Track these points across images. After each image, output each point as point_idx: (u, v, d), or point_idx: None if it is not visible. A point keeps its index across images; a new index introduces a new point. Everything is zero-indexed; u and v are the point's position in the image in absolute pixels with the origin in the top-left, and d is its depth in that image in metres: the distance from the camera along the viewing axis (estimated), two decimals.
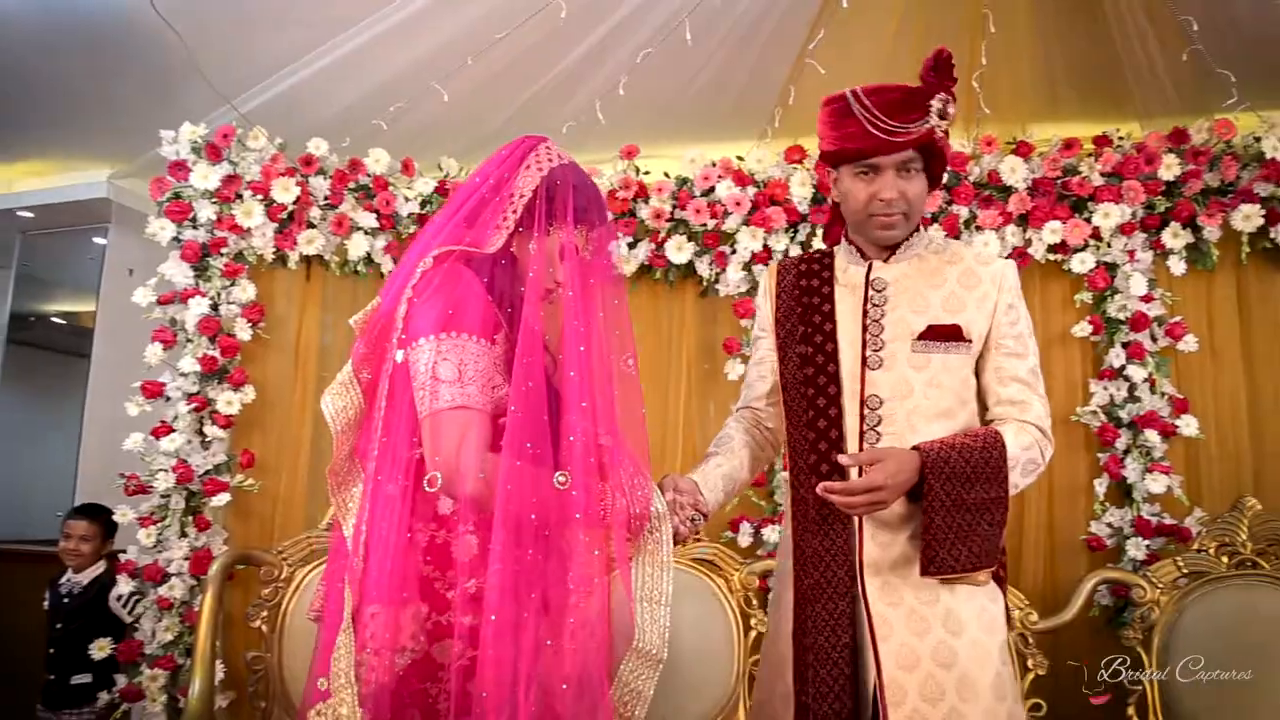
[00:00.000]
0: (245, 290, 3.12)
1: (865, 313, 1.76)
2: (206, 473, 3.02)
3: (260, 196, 3.15)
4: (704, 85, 3.14)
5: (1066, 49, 3.01)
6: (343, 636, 1.38)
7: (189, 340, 3.07)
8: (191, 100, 3.17)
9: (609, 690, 1.42)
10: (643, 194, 3.25)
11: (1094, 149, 3.10)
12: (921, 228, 1.81)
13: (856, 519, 1.68)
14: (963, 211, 3.08)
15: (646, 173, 3.29)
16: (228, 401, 3.05)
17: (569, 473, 1.40)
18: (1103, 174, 3.05)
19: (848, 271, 1.83)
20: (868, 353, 1.73)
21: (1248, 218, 2.94)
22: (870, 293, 1.78)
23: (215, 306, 3.10)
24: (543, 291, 1.50)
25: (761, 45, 2.99)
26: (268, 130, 3.22)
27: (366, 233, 3.24)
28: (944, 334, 1.71)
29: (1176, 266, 3.00)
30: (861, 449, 1.70)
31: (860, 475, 1.60)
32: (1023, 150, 3.10)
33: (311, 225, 3.21)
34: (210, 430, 3.04)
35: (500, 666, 1.33)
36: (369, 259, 3.27)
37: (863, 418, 1.71)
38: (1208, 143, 3.02)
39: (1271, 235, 2.96)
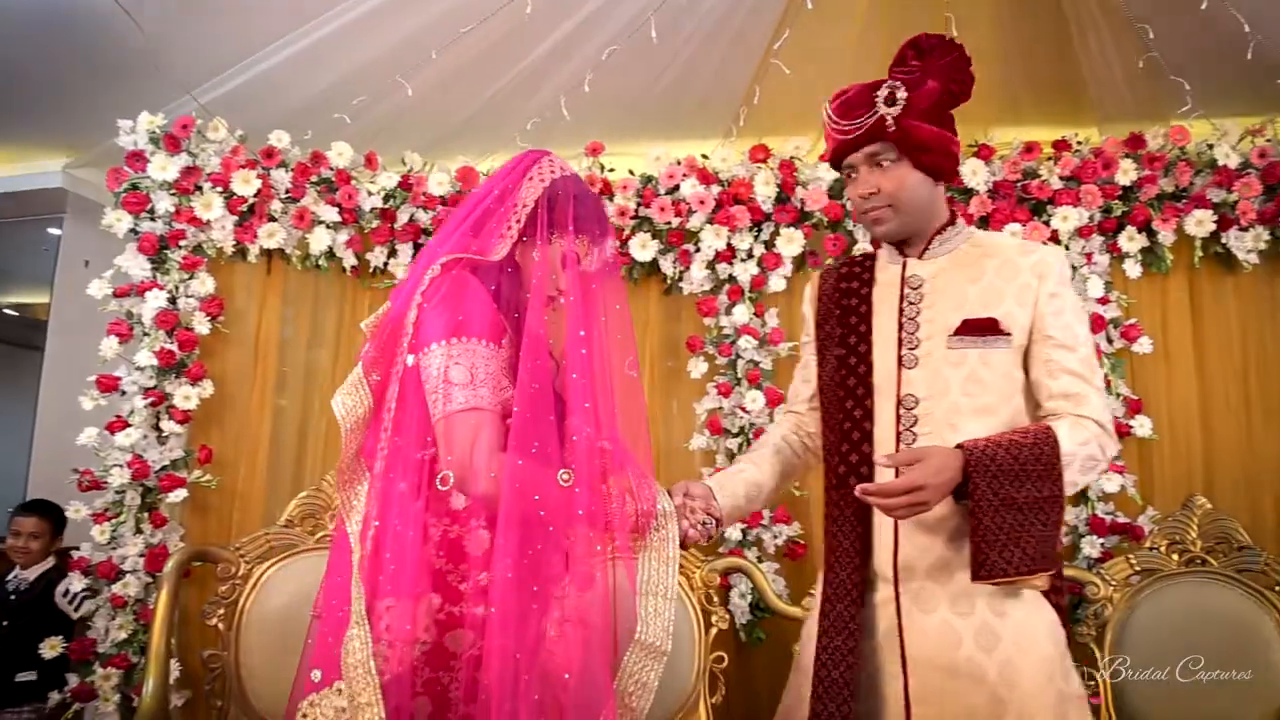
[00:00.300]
0: (204, 283, 3.08)
1: (901, 311, 1.72)
2: (163, 468, 2.97)
3: (220, 189, 3.10)
4: (669, 83, 3.14)
5: (1027, 54, 3.05)
6: (356, 629, 1.41)
7: (146, 334, 3.02)
8: (150, 90, 3.12)
9: (613, 681, 1.46)
10: (607, 191, 3.25)
11: (1053, 153, 3.15)
12: (960, 221, 1.77)
13: (892, 521, 1.62)
14: None
15: (611, 170, 3.29)
16: (185, 396, 3.01)
17: (573, 470, 1.45)
18: (1061, 178, 3.10)
19: (886, 271, 1.79)
20: (903, 351, 1.69)
21: (1200, 223, 3.01)
22: (906, 290, 1.73)
23: (173, 300, 3.05)
24: (545, 298, 1.56)
25: (727, 44, 3.00)
26: (228, 122, 3.18)
27: (328, 227, 3.21)
28: (980, 328, 1.65)
29: (1132, 270, 3.06)
30: (898, 450, 1.64)
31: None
32: (984, 153, 3.14)
33: (272, 218, 3.17)
34: (167, 425, 2.99)
35: (504, 657, 1.38)
36: (331, 253, 3.24)
37: (899, 418, 1.66)
38: (1163, 148, 3.09)
39: (1223, 240, 3.02)
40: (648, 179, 3.27)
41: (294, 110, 3.21)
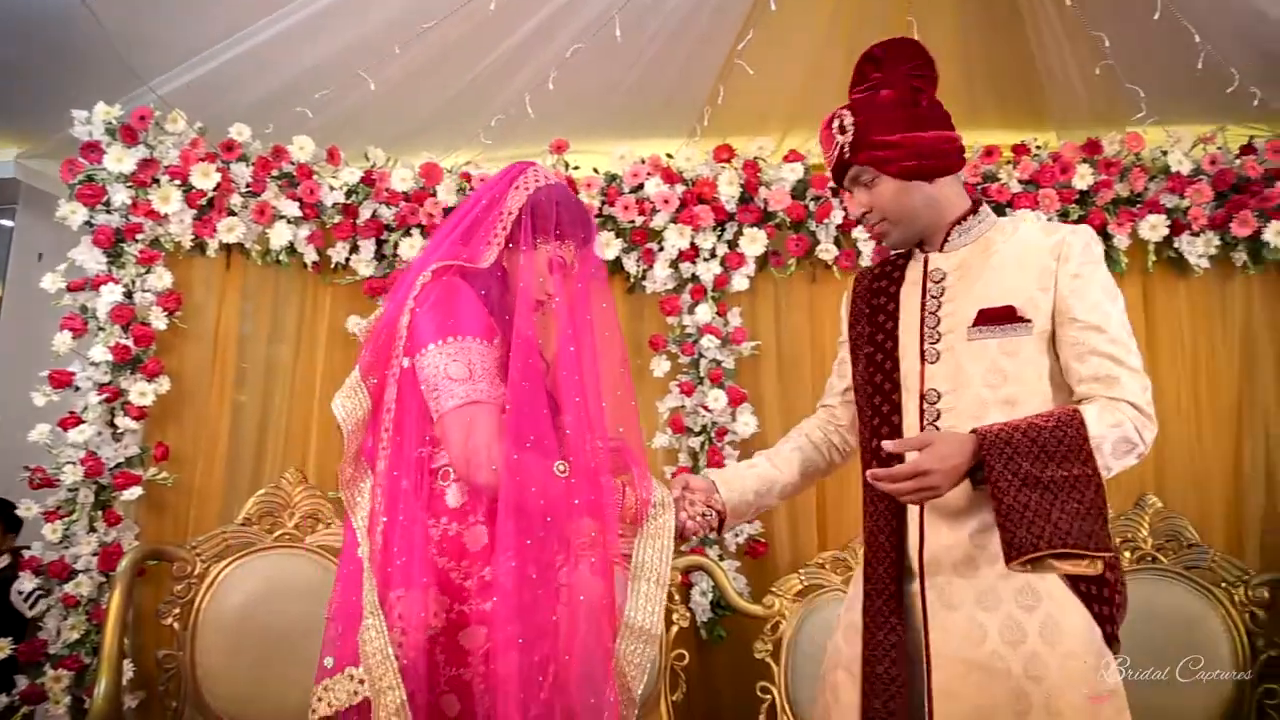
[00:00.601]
0: (161, 278, 3.03)
1: (924, 306, 1.72)
2: (118, 465, 2.92)
3: (178, 182, 3.06)
4: (634, 82, 3.14)
5: (988, 59, 3.09)
6: (372, 619, 1.50)
7: (101, 328, 2.96)
8: (107, 80, 3.06)
9: (611, 663, 1.54)
10: (572, 189, 3.24)
11: (1013, 157, 3.19)
12: (984, 210, 1.76)
13: (917, 513, 1.63)
14: None
15: (576, 168, 3.29)
16: (141, 392, 2.96)
17: (569, 462, 1.55)
18: (1020, 181, 3.15)
19: (914, 268, 1.78)
20: (925, 346, 1.69)
21: (1154, 227, 3.06)
22: (928, 285, 1.73)
23: (129, 294, 3.00)
24: (533, 302, 1.66)
25: (691, 44, 3.01)
26: (187, 114, 3.13)
27: (289, 222, 3.17)
28: (997, 317, 1.63)
29: None
30: None
31: None
32: None
33: (232, 213, 3.13)
34: (122, 422, 2.94)
35: (509, 645, 1.47)
36: (291, 248, 3.19)
37: (922, 413, 1.66)
38: (1119, 154, 3.14)
39: (1175, 245, 3.09)
40: (612, 177, 3.27)
41: (255, 103, 3.16)
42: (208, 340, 3.17)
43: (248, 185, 3.15)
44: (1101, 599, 1.57)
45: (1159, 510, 2.84)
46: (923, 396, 1.67)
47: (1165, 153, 3.11)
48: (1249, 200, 3.03)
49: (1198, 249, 3.06)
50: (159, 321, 3.01)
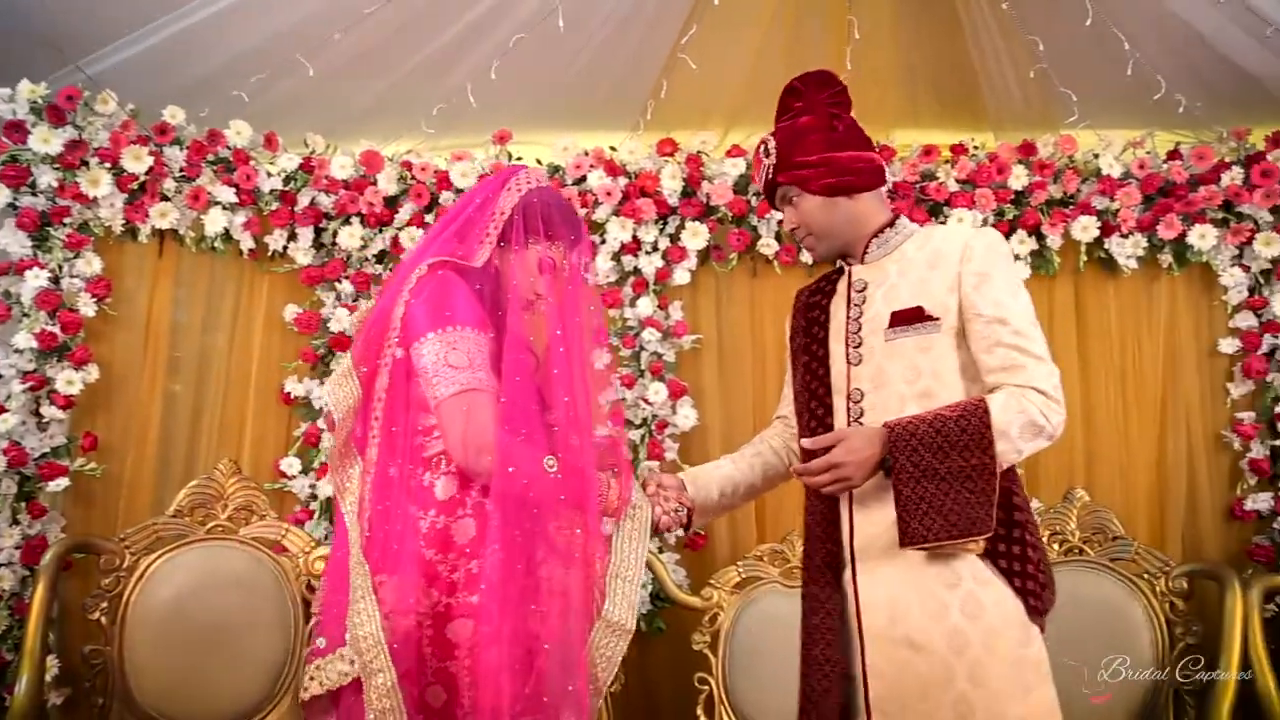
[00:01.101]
0: (90, 263, 2.95)
1: (848, 314, 1.85)
2: (43, 456, 2.84)
3: (109, 165, 2.98)
4: (577, 74, 3.12)
5: (927, 60, 3.13)
6: (363, 604, 1.56)
7: (25, 314, 2.88)
8: (31, 57, 2.95)
9: (585, 653, 1.63)
10: None
11: (951, 156, 3.25)
12: (901, 221, 1.89)
13: (845, 506, 1.75)
14: None
15: (519, 159, 3.27)
16: (68, 381, 2.88)
17: (557, 458, 1.62)
18: (958, 180, 3.20)
19: (842, 281, 1.92)
20: (849, 350, 1.82)
21: (1085, 228, 3.14)
22: (851, 294, 1.86)
23: (56, 279, 2.91)
24: (525, 301, 1.73)
25: (635, 37, 3.00)
26: (118, 95, 3.04)
27: (225, 208, 3.10)
28: (908, 318, 1.75)
29: (1022, 271, 3.18)
30: None
31: None
32: (884, 154, 3.21)
33: (165, 197, 3.06)
34: (48, 411, 2.86)
35: (496, 636, 1.54)
36: (227, 235, 3.13)
37: (848, 411, 1.79)
38: (1053, 156, 3.21)
39: (1105, 246, 3.17)
40: (555, 169, 3.25)
41: (189, 86, 3.08)
42: (139, 328, 3.09)
43: (181, 170, 3.08)
44: (1024, 574, 1.67)
45: (1086, 504, 2.91)
46: (849, 396, 1.80)
47: (1097, 156, 3.18)
48: (1175, 204, 3.13)
49: (1126, 250, 3.15)
50: (87, 308, 2.93)
